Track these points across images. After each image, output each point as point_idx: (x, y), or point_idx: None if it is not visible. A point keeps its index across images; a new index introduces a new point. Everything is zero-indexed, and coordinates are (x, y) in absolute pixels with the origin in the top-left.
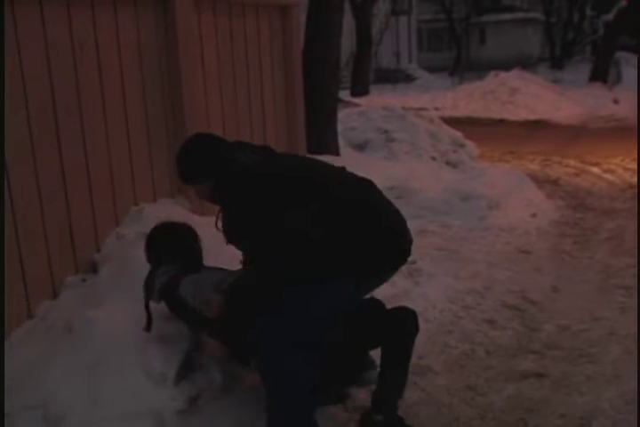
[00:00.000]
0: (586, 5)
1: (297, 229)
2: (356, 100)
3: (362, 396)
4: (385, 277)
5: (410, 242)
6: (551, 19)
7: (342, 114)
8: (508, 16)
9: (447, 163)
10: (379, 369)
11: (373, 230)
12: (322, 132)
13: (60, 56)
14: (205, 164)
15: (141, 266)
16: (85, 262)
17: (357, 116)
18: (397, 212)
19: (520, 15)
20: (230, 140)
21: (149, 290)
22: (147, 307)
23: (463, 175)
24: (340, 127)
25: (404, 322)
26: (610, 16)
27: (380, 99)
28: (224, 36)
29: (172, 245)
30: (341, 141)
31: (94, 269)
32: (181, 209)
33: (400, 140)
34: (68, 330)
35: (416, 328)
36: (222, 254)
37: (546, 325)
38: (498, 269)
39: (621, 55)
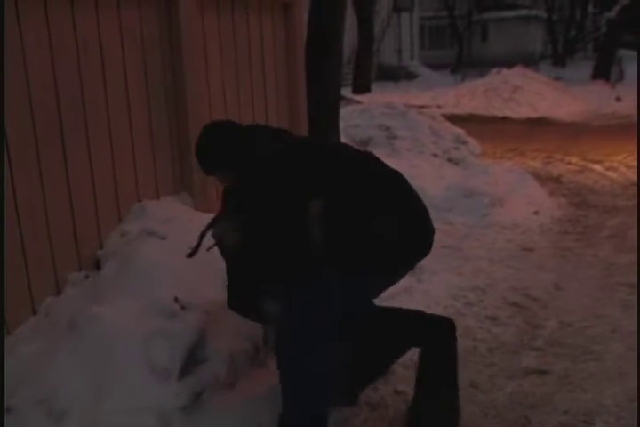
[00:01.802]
0: (588, 3)
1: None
2: (357, 97)
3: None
4: (409, 268)
5: (433, 232)
6: (553, 16)
7: (344, 111)
8: (510, 13)
9: (449, 160)
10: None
11: (405, 220)
12: (324, 129)
13: (63, 55)
14: (225, 150)
15: (145, 262)
16: (88, 259)
17: (360, 113)
18: (422, 203)
19: (522, 12)
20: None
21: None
22: (201, 236)
23: (465, 172)
24: (342, 124)
25: (439, 328)
26: (612, 13)
27: (382, 96)
28: (227, 35)
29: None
30: (343, 139)
31: (97, 265)
32: (185, 206)
33: (402, 137)
34: (71, 326)
35: (452, 338)
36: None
37: (548, 322)
38: (500, 266)
39: (624, 53)
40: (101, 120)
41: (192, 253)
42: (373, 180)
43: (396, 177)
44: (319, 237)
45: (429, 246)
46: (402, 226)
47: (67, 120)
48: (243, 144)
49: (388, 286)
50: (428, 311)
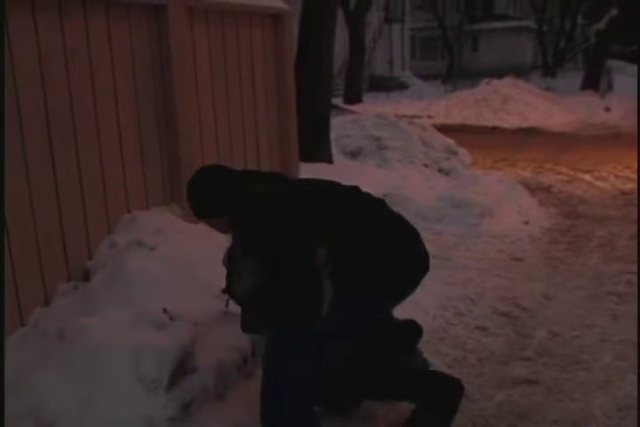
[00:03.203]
0: (577, 14)
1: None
2: (352, 107)
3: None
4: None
5: (428, 257)
6: (543, 27)
7: (335, 121)
8: (500, 24)
9: (440, 170)
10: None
11: (402, 251)
12: (315, 139)
13: (52, 64)
14: (219, 198)
15: (134, 273)
16: (78, 270)
17: (351, 123)
18: (414, 230)
19: (512, 23)
20: (237, 169)
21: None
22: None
23: (456, 183)
24: (333, 135)
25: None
26: (601, 25)
27: (374, 106)
28: (217, 46)
29: None
30: (334, 149)
31: (87, 276)
32: (174, 217)
33: (393, 147)
34: (60, 337)
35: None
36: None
37: (538, 331)
38: (490, 276)
39: (613, 63)
40: (90, 131)
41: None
42: (367, 214)
43: (384, 206)
44: (327, 285)
45: (428, 263)
46: (401, 253)
47: (55, 131)
48: (236, 187)
49: (397, 303)
50: (417, 321)
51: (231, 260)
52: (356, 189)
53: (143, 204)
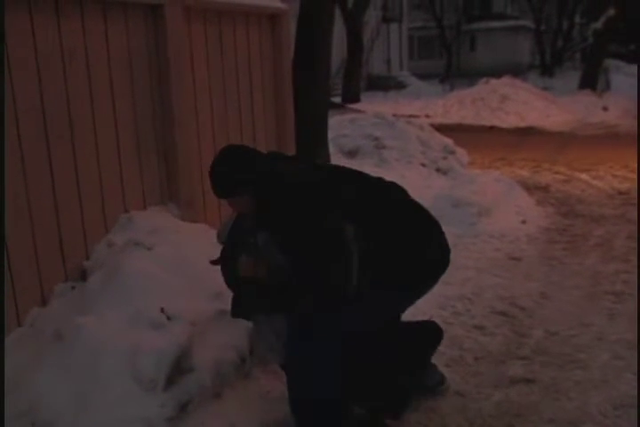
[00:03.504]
0: (575, 14)
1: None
2: (353, 106)
3: None
4: (431, 286)
5: (449, 252)
6: (541, 27)
7: (333, 121)
8: (498, 24)
9: (437, 170)
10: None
11: (427, 242)
12: (312, 139)
13: (49, 65)
14: (244, 175)
15: (131, 273)
16: (75, 270)
17: (348, 123)
18: (438, 222)
19: (510, 23)
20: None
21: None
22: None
23: (453, 182)
24: (330, 134)
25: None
26: (599, 24)
27: (371, 106)
28: (214, 46)
29: None
30: (332, 148)
31: (84, 276)
32: (172, 217)
33: (390, 147)
34: (57, 337)
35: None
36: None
37: (535, 331)
38: (487, 275)
39: (611, 63)
40: (87, 131)
41: (215, 262)
42: (394, 200)
43: (408, 195)
44: (356, 257)
45: (449, 257)
46: (426, 244)
47: (52, 130)
48: (260, 166)
49: (416, 299)
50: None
51: (242, 239)
52: (379, 178)
53: (140, 203)
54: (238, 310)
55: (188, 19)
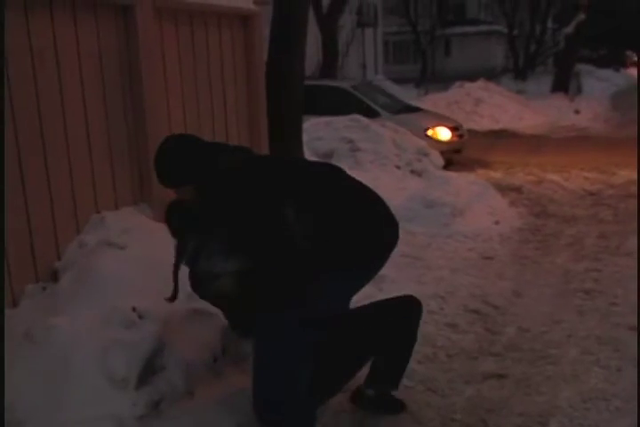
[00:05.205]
0: (547, 18)
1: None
2: None
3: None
4: (381, 265)
5: (397, 225)
6: (514, 31)
7: (308, 124)
8: (472, 29)
9: (412, 171)
10: None
11: (366, 216)
12: (286, 142)
13: (18, 64)
14: (187, 166)
15: (103, 273)
16: (46, 271)
17: (323, 126)
18: (376, 196)
19: (484, 28)
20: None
21: (181, 254)
22: (175, 273)
23: (428, 183)
24: (305, 137)
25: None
26: (569, 29)
27: None
28: (186, 47)
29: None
30: (307, 151)
31: (55, 277)
32: (144, 217)
33: (365, 149)
34: (27, 338)
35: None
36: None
37: (507, 328)
38: (461, 274)
39: (582, 68)
40: (58, 131)
41: (173, 298)
42: (330, 179)
43: (345, 174)
44: (300, 236)
45: (397, 235)
46: (369, 218)
47: (22, 130)
48: (205, 158)
49: (367, 281)
50: None
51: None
52: (321, 163)
53: (112, 204)
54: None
55: (159, 20)
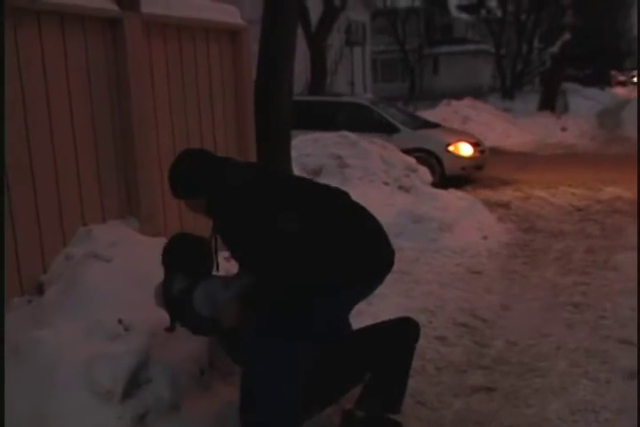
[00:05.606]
0: (533, 38)
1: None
2: None
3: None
4: (374, 287)
5: (393, 252)
6: (501, 51)
7: (296, 140)
8: (459, 48)
9: (400, 187)
10: None
11: (364, 241)
12: (274, 158)
13: (6, 78)
14: (202, 180)
15: (89, 285)
16: (31, 284)
17: (311, 142)
18: (378, 223)
19: (471, 47)
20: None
21: (167, 290)
22: (169, 305)
23: (416, 199)
24: (294, 154)
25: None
26: (555, 48)
27: None
28: (174, 61)
29: (187, 257)
30: (295, 168)
31: (41, 290)
32: (131, 230)
33: (353, 165)
34: (12, 351)
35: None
36: None
37: (495, 341)
38: (449, 288)
39: (568, 86)
40: (45, 144)
41: (172, 328)
42: (333, 205)
43: (349, 198)
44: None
45: (392, 256)
46: (363, 242)
47: (9, 142)
48: (217, 173)
49: (363, 297)
50: None
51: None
52: (327, 186)
53: (99, 217)
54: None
55: (147, 34)
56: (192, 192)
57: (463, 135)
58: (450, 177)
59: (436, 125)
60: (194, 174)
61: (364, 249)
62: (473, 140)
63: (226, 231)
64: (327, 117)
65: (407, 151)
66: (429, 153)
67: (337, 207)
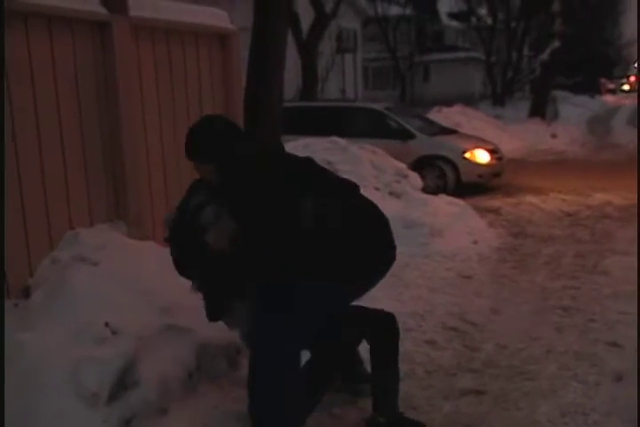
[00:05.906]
0: (523, 46)
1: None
2: None
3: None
4: (375, 282)
5: (394, 248)
6: (491, 58)
7: (287, 147)
8: (450, 55)
9: (391, 193)
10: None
11: (371, 234)
12: None
13: None
14: (211, 147)
15: (76, 288)
16: (18, 287)
17: (301, 148)
18: (385, 218)
19: (462, 54)
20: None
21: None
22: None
23: (406, 204)
24: None
25: (388, 321)
26: (545, 56)
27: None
28: (163, 64)
29: None
30: None
31: (27, 293)
32: (119, 234)
33: (344, 171)
34: None
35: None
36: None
37: (485, 345)
38: (439, 293)
39: (558, 93)
40: (32, 146)
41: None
42: (343, 192)
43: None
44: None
45: (394, 250)
46: (370, 236)
47: None
48: (233, 141)
49: (363, 292)
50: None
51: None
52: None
53: (87, 221)
54: (215, 308)
55: (135, 37)
56: (206, 155)
57: (480, 142)
58: (466, 184)
59: (452, 131)
60: (205, 140)
61: (367, 244)
62: (490, 147)
63: (234, 202)
64: (341, 124)
65: (423, 158)
66: (445, 160)
67: (347, 202)
